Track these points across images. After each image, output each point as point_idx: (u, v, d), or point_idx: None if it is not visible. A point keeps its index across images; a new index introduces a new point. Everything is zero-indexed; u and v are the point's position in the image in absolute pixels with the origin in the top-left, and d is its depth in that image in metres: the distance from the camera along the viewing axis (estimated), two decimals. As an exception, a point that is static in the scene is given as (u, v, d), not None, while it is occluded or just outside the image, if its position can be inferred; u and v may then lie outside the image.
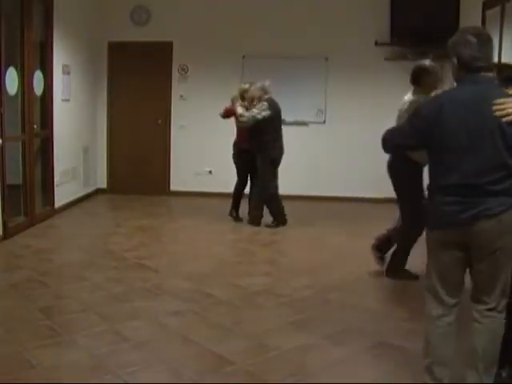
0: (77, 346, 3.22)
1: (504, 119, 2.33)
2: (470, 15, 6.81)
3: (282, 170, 8.22)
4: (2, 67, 5.45)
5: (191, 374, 2.93)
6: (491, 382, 2.54)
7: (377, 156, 8.56)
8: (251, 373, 2.96)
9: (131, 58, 8.27)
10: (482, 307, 2.54)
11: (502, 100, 2.36)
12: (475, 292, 2.57)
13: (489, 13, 6.10)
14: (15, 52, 5.86)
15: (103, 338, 3.35)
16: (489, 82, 2.48)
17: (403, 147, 3.01)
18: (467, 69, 2.48)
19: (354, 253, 5.50)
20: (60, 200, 6.96)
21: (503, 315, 2.55)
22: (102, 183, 8.54)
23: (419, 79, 4.50)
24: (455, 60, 2.51)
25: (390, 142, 2.82)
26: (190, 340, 3.35)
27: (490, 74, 2.50)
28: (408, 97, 4.48)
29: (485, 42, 2.48)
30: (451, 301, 2.59)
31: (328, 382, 2.90)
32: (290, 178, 8.24)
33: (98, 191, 8.45)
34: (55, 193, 6.82)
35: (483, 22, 6.22)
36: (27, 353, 3.08)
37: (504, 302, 2.53)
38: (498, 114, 2.34)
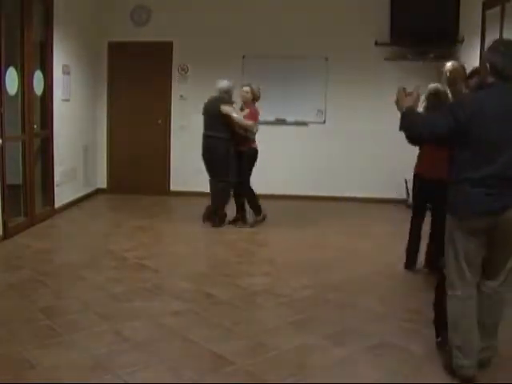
0: (77, 346, 3.22)
1: None
2: (470, 15, 6.81)
3: (282, 169, 8.26)
4: (2, 67, 5.45)
5: (191, 374, 2.93)
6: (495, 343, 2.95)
7: (376, 156, 8.58)
8: (251, 373, 2.96)
9: (131, 58, 8.27)
10: (490, 283, 2.91)
11: None
12: (488, 270, 2.90)
13: (489, 13, 6.10)
14: (15, 52, 5.86)
15: (103, 338, 3.35)
16: None
17: (436, 135, 2.98)
18: (499, 76, 2.78)
19: (353, 253, 5.50)
20: (60, 200, 6.96)
21: (506, 288, 2.92)
22: (102, 183, 8.54)
23: None
24: (488, 66, 2.80)
25: (423, 130, 2.92)
26: (190, 340, 3.35)
27: None
28: None
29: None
30: (474, 280, 2.89)
31: (328, 382, 2.90)
32: (290, 178, 8.27)
33: (98, 191, 8.45)
34: (55, 193, 6.83)
35: (483, 21, 6.22)
36: (27, 353, 3.08)
37: (503, 278, 2.90)
38: None
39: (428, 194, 4.69)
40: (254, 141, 6.43)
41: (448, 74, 4.35)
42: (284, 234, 6.23)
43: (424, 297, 4.19)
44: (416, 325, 3.64)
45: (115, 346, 3.23)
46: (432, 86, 4.69)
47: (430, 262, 4.75)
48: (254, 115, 6.37)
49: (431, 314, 3.73)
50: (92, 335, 3.38)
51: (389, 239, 5.95)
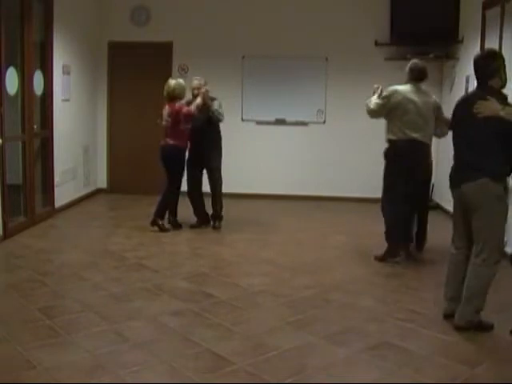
0: (77, 346, 3.22)
1: (478, 115, 3.37)
2: (470, 15, 6.81)
3: (282, 169, 8.25)
4: (2, 67, 5.45)
5: (191, 374, 2.93)
6: (470, 309, 3.48)
7: (377, 156, 8.57)
8: (251, 373, 2.96)
9: (131, 58, 8.27)
10: (473, 253, 3.51)
11: (479, 102, 3.39)
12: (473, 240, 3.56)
13: (489, 13, 6.10)
14: (15, 52, 5.86)
15: (103, 338, 3.35)
16: (475, 93, 3.61)
17: None
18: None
19: (354, 253, 5.51)
20: (60, 200, 6.96)
21: (486, 268, 3.43)
22: (102, 183, 8.55)
23: None
24: None
25: None
26: (190, 340, 3.35)
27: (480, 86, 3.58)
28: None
29: (474, 64, 3.56)
30: (459, 244, 3.66)
31: (328, 382, 2.91)
32: (290, 178, 8.26)
33: (98, 191, 8.45)
34: (55, 193, 6.83)
35: (483, 21, 6.22)
36: (27, 353, 3.08)
37: (485, 255, 3.40)
38: (475, 111, 3.39)
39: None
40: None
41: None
42: (284, 234, 6.23)
43: (424, 297, 4.20)
44: (416, 325, 3.64)
45: (115, 346, 3.23)
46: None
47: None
48: None
49: (431, 314, 3.75)
50: (92, 335, 3.38)
51: (389, 239, 5.94)
